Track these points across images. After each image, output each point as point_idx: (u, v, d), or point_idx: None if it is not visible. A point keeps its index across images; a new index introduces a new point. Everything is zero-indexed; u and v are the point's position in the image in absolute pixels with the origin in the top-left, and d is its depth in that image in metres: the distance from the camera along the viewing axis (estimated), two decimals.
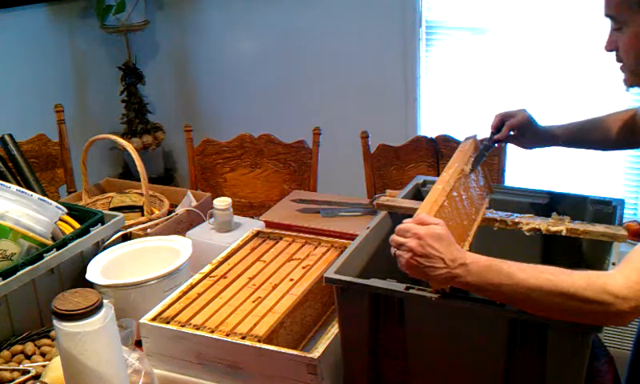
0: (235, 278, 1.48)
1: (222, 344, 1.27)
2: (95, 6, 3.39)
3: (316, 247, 1.60)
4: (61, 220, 1.64)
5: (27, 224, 1.53)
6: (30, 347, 1.39)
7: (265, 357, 1.23)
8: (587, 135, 1.57)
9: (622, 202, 1.46)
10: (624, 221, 1.40)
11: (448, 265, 1.04)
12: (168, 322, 1.33)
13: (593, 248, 1.41)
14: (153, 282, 1.46)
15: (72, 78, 3.57)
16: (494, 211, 1.43)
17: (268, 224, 1.87)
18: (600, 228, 1.32)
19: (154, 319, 1.34)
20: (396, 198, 1.52)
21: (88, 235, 1.60)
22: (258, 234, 1.69)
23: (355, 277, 1.23)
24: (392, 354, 1.21)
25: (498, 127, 1.54)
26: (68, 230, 1.63)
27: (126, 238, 1.72)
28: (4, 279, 1.39)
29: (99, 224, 1.64)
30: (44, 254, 1.48)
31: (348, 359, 1.25)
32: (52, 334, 1.40)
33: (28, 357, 1.37)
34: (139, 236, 1.73)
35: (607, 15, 1.23)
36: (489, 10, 2.95)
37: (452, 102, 3.14)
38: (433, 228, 1.06)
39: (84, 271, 1.51)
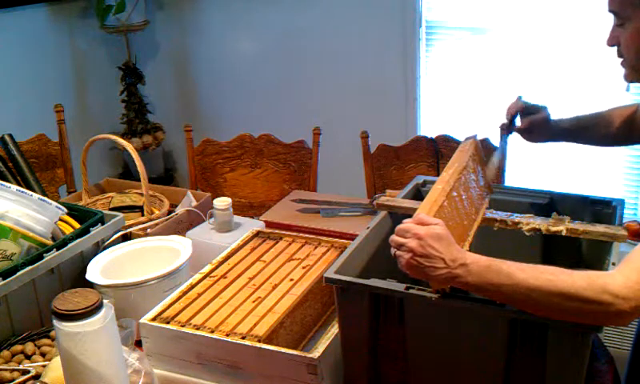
0: (235, 278, 1.48)
1: (222, 344, 1.27)
2: (95, 6, 3.39)
3: (316, 247, 1.60)
4: (61, 220, 1.64)
5: (27, 224, 1.53)
6: (29, 347, 1.39)
7: (265, 357, 1.23)
8: (588, 130, 1.57)
9: (622, 201, 1.46)
10: (624, 221, 1.40)
11: (448, 265, 1.04)
12: (168, 322, 1.33)
13: (593, 248, 1.41)
14: (153, 281, 1.46)
15: (72, 78, 3.57)
16: (494, 211, 1.43)
17: (268, 224, 1.87)
18: (600, 228, 1.32)
19: (154, 319, 1.34)
20: (396, 198, 1.52)
21: (88, 235, 1.60)
22: (258, 233, 1.69)
23: (355, 277, 1.23)
24: (392, 354, 1.21)
25: (514, 115, 1.54)
26: (68, 230, 1.63)
27: (126, 238, 1.72)
28: (4, 279, 1.39)
29: (99, 224, 1.64)
30: (44, 254, 1.48)
31: (348, 359, 1.25)
32: (52, 334, 1.40)
33: (28, 357, 1.37)
34: (139, 236, 1.73)
35: (610, 10, 1.23)
36: (489, 10, 2.95)
37: (452, 102, 3.14)
38: (433, 228, 1.06)
39: (84, 271, 1.51)
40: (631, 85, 1.30)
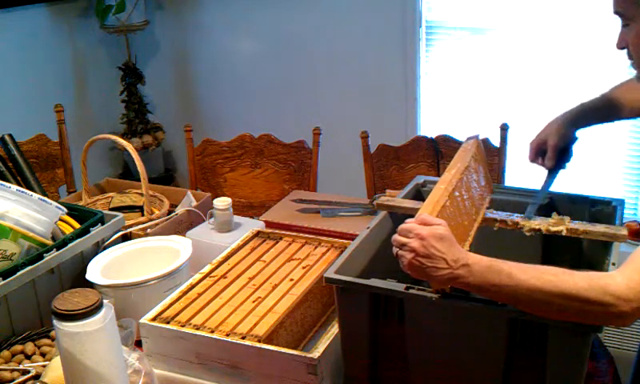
0: (235, 278, 1.48)
1: (222, 344, 1.27)
2: (95, 6, 3.39)
3: (316, 247, 1.60)
4: (61, 220, 1.64)
5: (27, 224, 1.53)
6: (29, 347, 1.38)
7: (265, 357, 1.23)
8: (605, 112, 1.56)
9: (622, 202, 1.46)
10: (624, 221, 1.40)
11: (450, 265, 1.03)
12: (168, 322, 1.33)
13: (593, 248, 1.41)
14: (153, 281, 1.46)
15: (72, 78, 3.57)
16: (494, 211, 1.43)
17: (268, 224, 1.87)
18: (600, 228, 1.32)
19: (154, 319, 1.34)
20: (396, 198, 1.52)
21: (88, 235, 1.59)
22: (258, 234, 1.69)
23: (355, 277, 1.23)
24: (392, 353, 1.21)
25: (537, 154, 1.55)
26: (68, 230, 1.63)
27: (126, 238, 1.72)
28: (4, 279, 1.39)
29: (99, 224, 1.63)
30: (44, 254, 1.48)
31: (348, 359, 1.25)
32: (52, 334, 1.40)
33: (28, 357, 1.37)
34: (139, 236, 1.73)
35: (616, 12, 1.23)
36: (489, 10, 2.95)
37: (452, 102, 3.14)
38: (435, 228, 1.06)
39: (84, 271, 1.51)
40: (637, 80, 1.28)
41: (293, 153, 2.56)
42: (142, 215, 1.89)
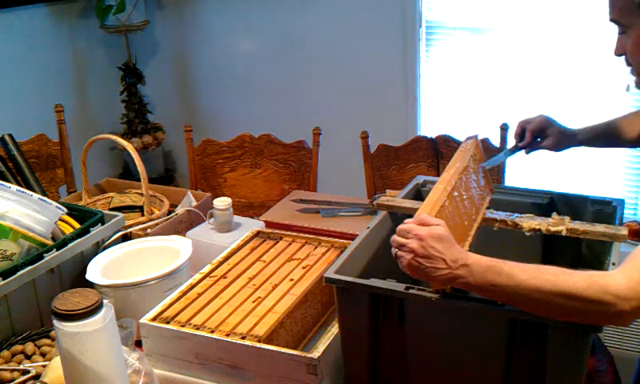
0: (235, 278, 1.48)
1: (222, 344, 1.27)
2: (95, 6, 3.39)
3: (316, 247, 1.60)
4: (61, 220, 1.64)
5: (27, 224, 1.53)
6: (30, 347, 1.38)
7: (265, 357, 1.23)
8: (612, 134, 1.57)
9: (622, 201, 1.46)
10: (624, 221, 1.40)
11: (449, 266, 1.04)
12: (168, 322, 1.33)
13: (593, 248, 1.41)
14: (153, 281, 1.46)
15: (72, 78, 3.57)
16: (494, 211, 1.43)
17: (268, 224, 1.87)
18: (600, 228, 1.32)
19: (154, 319, 1.34)
20: (396, 198, 1.52)
21: (88, 235, 1.59)
22: (258, 234, 1.69)
23: (355, 277, 1.23)
24: (392, 353, 1.21)
25: (520, 135, 1.55)
26: (68, 230, 1.63)
27: (126, 238, 1.72)
28: (4, 279, 1.39)
29: (99, 224, 1.63)
30: (44, 254, 1.48)
31: (348, 359, 1.25)
32: (52, 334, 1.40)
33: (28, 357, 1.37)
34: (139, 236, 1.73)
35: (612, 20, 1.23)
36: (489, 10, 2.95)
37: (452, 102, 3.14)
38: (434, 229, 1.06)
39: (84, 271, 1.51)
40: (631, 85, 1.29)
41: (293, 153, 2.56)
42: (142, 215, 1.89)
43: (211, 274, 1.50)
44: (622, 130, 1.55)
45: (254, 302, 1.39)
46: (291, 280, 1.46)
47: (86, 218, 1.65)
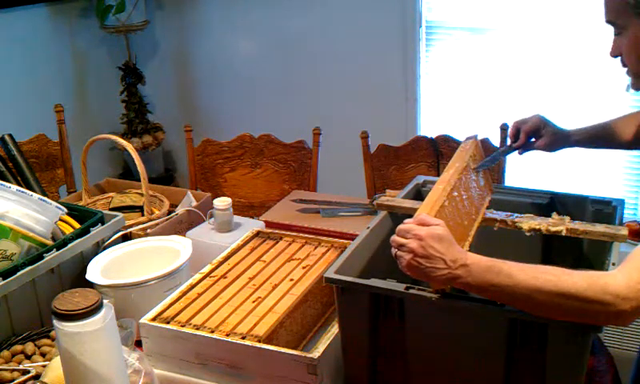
0: (235, 278, 1.48)
1: (222, 344, 1.27)
2: (95, 6, 3.39)
3: (316, 247, 1.60)
4: (61, 220, 1.64)
5: (27, 224, 1.53)
6: (30, 347, 1.38)
7: (265, 357, 1.23)
8: (607, 136, 1.57)
9: (622, 201, 1.46)
10: (624, 221, 1.40)
11: (449, 266, 1.04)
12: (168, 322, 1.33)
13: (593, 248, 1.41)
14: (153, 281, 1.46)
15: (72, 78, 3.57)
16: (494, 211, 1.43)
17: (268, 224, 1.87)
18: (600, 228, 1.32)
19: (154, 319, 1.34)
20: (396, 198, 1.52)
21: (88, 235, 1.60)
22: (258, 234, 1.69)
23: (355, 277, 1.23)
24: (392, 353, 1.21)
25: (515, 135, 1.55)
26: (68, 230, 1.63)
27: (126, 238, 1.72)
28: (4, 279, 1.39)
29: (99, 224, 1.63)
30: (44, 254, 1.48)
31: (348, 359, 1.25)
32: (52, 334, 1.40)
33: (28, 357, 1.37)
34: (139, 236, 1.73)
35: (608, 21, 1.23)
36: (489, 10, 2.95)
37: (452, 102, 3.14)
38: (434, 229, 1.06)
39: (84, 271, 1.51)
40: (631, 87, 1.29)
41: (293, 153, 2.56)
42: (142, 215, 1.89)
43: (211, 274, 1.50)
44: (616, 132, 1.55)
45: (254, 302, 1.39)
46: (291, 280, 1.46)
47: (85, 218, 1.65)
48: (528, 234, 1.37)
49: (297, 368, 1.21)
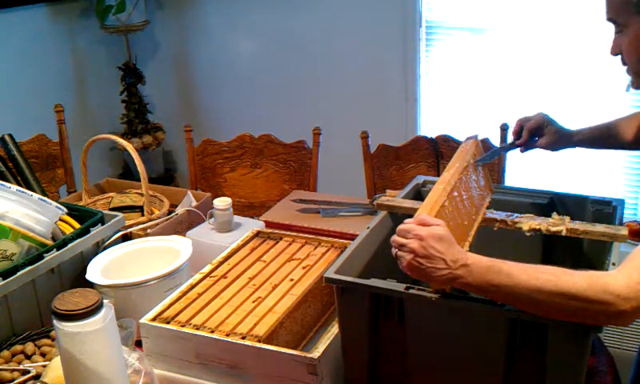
0: (235, 278, 1.48)
1: (222, 344, 1.27)
2: (95, 6, 3.39)
3: (316, 247, 1.60)
4: (61, 220, 1.64)
5: (27, 224, 1.53)
6: (30, 347, 1.39)
7: (265, 357, 1.23)
8: (609, 136, 1.57)
9: (622, 202, 1.46)
10: (624, 221, 1.40)
11: (449, 266, 1.04)
12: (168, 322, 1.33)
13: (593, 248, 1.41)
14: (153, 281, 1.46)
15: (72, 78, 3.57)
16: (494, 211, 1.43)
17: (268, 224, 1.87)
18: (600, 228, 1.32)
19: (153, 319, 1.34)
20: (396, 198, 1.52)
21: (88, 235, 1.60)
22: (258, 234, 1.69)
23: (355, 277, 1.23)
24: (392, 353, 1.21)
25: (518, 133, 1.55)
26: (68, 230, 1.63)
27: (126, 238, 1.72)
28: (4, 279, 1.39)
29: (99, 224, 1.63)
30: (44, 254, 1.48)
31: (348, 359, 1.25)
32: (52, 334, 1.40)
33: (28, 357, 1.37)
34: (139, 236, 1.73)
35: (608, 19, 1.23)
36: (489, 10, 2.95)
37: (452, 102, 3.14)
38: (434, 229, 1.06)
39: (84, 271, 1.51)
40: (631, 86, 1.29)
41: (293, 153, 2.56)
42: (142, 215, 1.89)
43: (211, 274, 1.50)
44: (619, 132, 1.55)
45: (254, 302, 1.39)
46: (291, 280, 1.46)
47: (85, 218, 1.65)
48: (528, 234, 1.37)
49: (297, 368, 1.21)
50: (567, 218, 1.36)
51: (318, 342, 1.25)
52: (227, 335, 1.28)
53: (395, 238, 1.09)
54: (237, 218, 1.81)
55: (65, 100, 2.68)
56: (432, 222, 1.07)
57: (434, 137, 2.46)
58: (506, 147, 1.57)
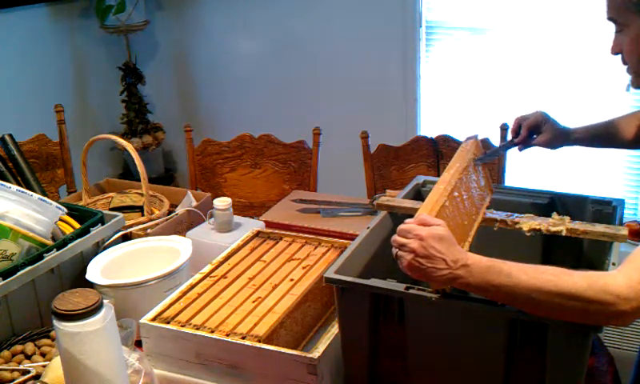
0: (235, 278, 1.48)
1: (222, 344, 1.27)
2: (95, 6, 3.39)
3: (316, 247, 1.60)
4: (61, 220, 1.64)
5: (27, 224, 1.53)
6: (30, 347, 1.39)
7: (265, 357, 1.23)
8: (608, 135, 1.57)
9: (622, 201, 1.46)
10: (624, 221, 1.40)
11: (450, 266, 1.03)
12: (168, 322, 1.33)
13: (593, 248, 1.41)
14: (153, 281, 1.46)
15: (72, 78, 3.57)
16: (494, 211, 1.43)
17: (268, 224, 1.87)
18: (600, 228, 1.32)
19: (154, 319, 1.34)
20: (396, 198, 1.52)
21: (88, 235, 1.60)
22: (258, 234, 1.69)
23: (355, 277, 1.23)
24: (392, 354, 1.21)
25: (517, 131, 1.55)
26: (68, 230, 1.63)
27: (126, 238, 1.72)
28: (4, 279, 1.39)
29: (99, 224, 1.63)
30: (44, 254, 1.48)
31: (348, 359, 1.25)
32: (52, 334, 1.40)
33: (28, 357, 1.37)
34: (139, 236, 1.73)
35: (609, 18, 1.23)
36: (489, 10, 2.95)
37: (452, 102, 3.14)
38: (434, 229, 1.06)
39: (84, 271, 1.51)
40: (631, 85, 1.29)
41: (293, 153, 2.56)
42: (142, 215, 1.89)
43: (211, 274, 1.50)
44: (618, 131, 1.55)
45: (254, 302, 1.39)
46: (291, 280, 1.46)
47: (85, 218, 1.65)
48: (528, 234, 1.37)
49: (297, 368, 1.21)
50: (567, 218, 1.36)
51: (318, 342, 1.25)
52: (227, 335, 1.28)
53: (396, 237, 1.09)
54: (237, 218, 1.81)
55: (65, 100, 2.68)
56: (432, 222, 1.07)
57: (433, 137, 2.46)
58: (505, 146, 1.58)
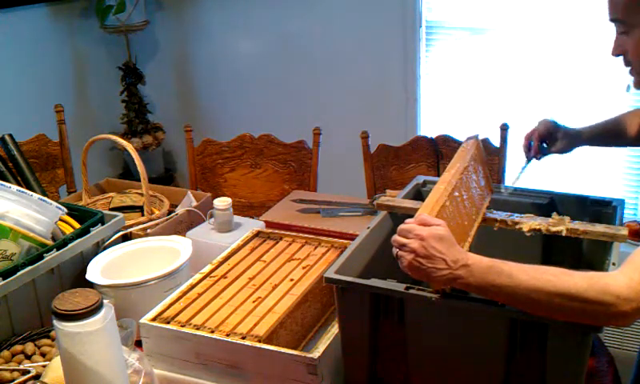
0: (235, 278, 1.48)
1: (222, 344, 1.27)
2: (95, 6, 3.39)
3: (316, 247, 1.60)
4: (61, 220, 1.64)
5: (27, 224, 1.53)
6: (30, 347, 1.39)
7: (265, 357, 1.23)
8: (618, 132, 1.57)
9: (622, 201, 1.46)
10: (624, 221, 1.40)
11: (450, 266, 1.03)
12: (168, 322, 1.33)
13: (593, 248, 1.41)
14: (153, 281, 1.46)
15: (72, 78, 3.57)
16: (494, 211, 1.43)
17: (268, 224, 1.87)
18: (600, 228, 1.32)
19: (154, 319, 1.34)
20: (396, 198, 1.52)
21: (88, 235, 1.59)
22: (258, 234, 1.69)
23: (355, 277, 1.23)
24: (392, 353, 1.21)
25: (528, 147, 1.56)
26: (68, 230, 1.63)
27: (126, 238, 1.72)
28: (4, 279, 1.39)
29: (99, 224, 1.63)
30: (44, 254, 1.48)
31: (348, 359, 1.25)
32: (52, 334, 1.40)
33: (28, 357, 1.37)
34: (139, 236, 1.73)
35: (613, 20, 1.22)
36: (489, 10, 2.95)
37: (452, 102, 3.14)
38: (435, 229, 1.06)
39: (84, 271, 1.51)
40: (631, 85, 1.28)
41: (293, 153, 2.56)
42: (142, 215, 1.89)
43: (211, 274, 1.50)
44: (625, 128, 1.54)
45: (254, 302, 1.39)
46: (291, 280, 1.46)
47: (85, 218, 1.65)
48: (528, 234, 1.37)
49: (297, 368, 1.21)
50: (567, 218, 1.36)
51: (318, 342, 1.25)
52: (227, 335, 1.28)
53: (396, 237, 1.09)
54: (237, 218, 1.81)
55: (65, 100, 2.68)
56: (433, 222, 1.07)
57: (434, 137, 2.46)
58: (525, 165, 1.59)
